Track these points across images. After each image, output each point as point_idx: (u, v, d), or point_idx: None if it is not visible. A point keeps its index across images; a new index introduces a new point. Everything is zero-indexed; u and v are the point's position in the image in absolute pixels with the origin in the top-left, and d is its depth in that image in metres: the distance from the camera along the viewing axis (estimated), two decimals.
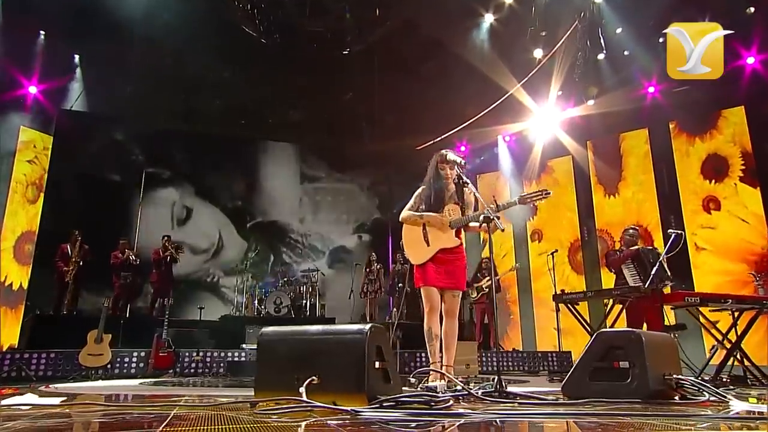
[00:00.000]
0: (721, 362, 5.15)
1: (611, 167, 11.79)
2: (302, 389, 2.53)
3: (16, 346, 8.15)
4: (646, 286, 5.25)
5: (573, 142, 12.52)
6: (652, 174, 11.09)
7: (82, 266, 8.20)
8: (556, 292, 6.03)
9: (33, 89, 11.06)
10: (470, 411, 2.47)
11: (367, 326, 2.71)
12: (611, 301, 5.62)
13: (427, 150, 13.40)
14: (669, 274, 5.54)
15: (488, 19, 11.57)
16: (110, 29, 10.39)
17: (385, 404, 2.48)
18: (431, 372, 3.99)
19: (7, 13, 9.96)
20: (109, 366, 6.54)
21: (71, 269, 8.07)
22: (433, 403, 2.56)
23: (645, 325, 5.80)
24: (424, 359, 8.18)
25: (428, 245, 4.00)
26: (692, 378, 3.18)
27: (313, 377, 2.63)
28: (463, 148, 13.92)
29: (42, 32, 10.80)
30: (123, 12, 10.05)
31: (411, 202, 4.21)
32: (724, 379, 5.17)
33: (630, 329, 3.22)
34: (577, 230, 12.02)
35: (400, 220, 4.21)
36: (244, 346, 8.49)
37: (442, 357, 3.93)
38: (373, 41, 10.26)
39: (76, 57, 11.45)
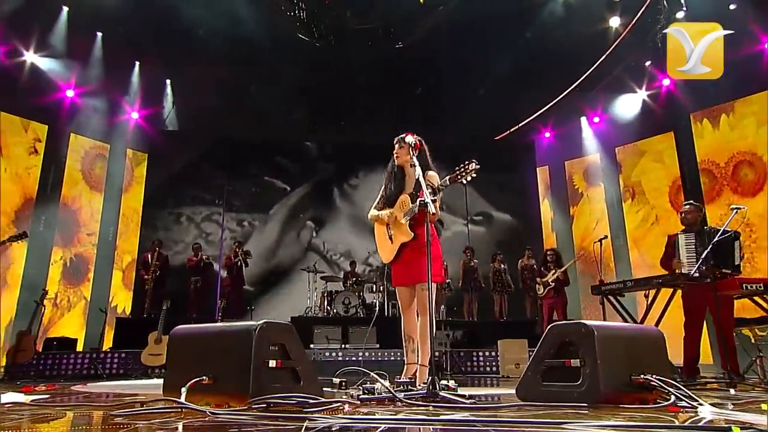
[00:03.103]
0: None
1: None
2: (183, 390, 2.48)
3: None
4: (693, 271, 4.47)
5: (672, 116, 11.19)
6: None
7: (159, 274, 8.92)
8: (601, 281, 5.38)
9: (135, 114, 12.31)
10: (341, 416, 2.23)
11: (258, 323, 2.59)
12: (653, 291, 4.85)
13: (505, 140, 12.80)
14: (737, 258, 4.62)
15: None
16: (195, 51, 11.31)
17: (254, 406, 2.34)
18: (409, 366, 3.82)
19: (106, 48, 11.15)
20: None
21: (150, 277, 8.81)
22: (308, 406, 2.36)
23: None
24: (481, 358, 7.77)
25: (391, 242, 3.82)
26: (661, 378, 2.62)
27: (204, 377, 2.57)
28: (547, 134, 13.07)
29: (137, 62, 11.96)
30: (204, 34, 10.84)
31: (376, 200, 4.04)
32: None
33: (580, 321, 2.74)
34: (676, 168, 10.81)
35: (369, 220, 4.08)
36: (312, 346, 8.69)
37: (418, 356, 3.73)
38: (431, 29, 9.95)
39: (168, 81, 12.53)
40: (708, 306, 4.92)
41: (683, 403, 2.49)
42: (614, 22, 10.25)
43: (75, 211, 11.24)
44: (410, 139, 3.72)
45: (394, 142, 3.91)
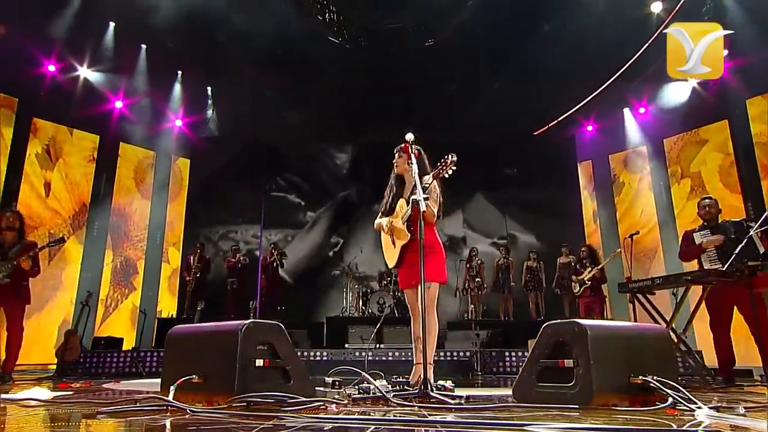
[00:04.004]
0: None
1: None
2: (172, 388, 2.55)
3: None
4: (725, 267, 4.22)
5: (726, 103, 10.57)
6: None
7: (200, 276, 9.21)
8: (628, 278, 5.15)
9: (179, 122, 12.78)
10: (313, 415, 2.22)
11: (245, 323, 2.62)
12: (682, 289, 4.59)
13: (545, 136, 12.41)
14: (761, 251, 4.35)
15: None
16: (233, 58, 11.66)
17: (234, 404, 2.37)
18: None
19: (150, 59, 11.62)
20: None
21: (192, 278, 9.10)
22: (285, 405, 2.37)
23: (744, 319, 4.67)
24: (513, 358, 7.60)
25: (394, 246, 3.89)
26: (661, 379, 2.48)
27: (193, 376, 2.63)
28: (590, 128, 12.62)
29: (179, 71, 12.41)
30: (243, 42, 11.11)
31: (380, 210, 4.13)
32: None
33: (573, 320, 2.63)
34: (728, 146, 10.26)
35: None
36: (347, 345, 8.76)
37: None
38: (463, 24, 9.79)
39: (209, 88, 12.93)
40: (736, 304, 4.64)
41: (687, 406, 2.36)
42: (656, 7, 9.78)
43: (125, 216, 11.78)
44: (410, 136, 3.70)
45: (394, 151, 4.01)
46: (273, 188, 12.82)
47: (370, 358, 7.49)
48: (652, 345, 2.71)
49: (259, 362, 2.61)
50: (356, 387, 3.01)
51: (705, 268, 4.45)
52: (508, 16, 10.25)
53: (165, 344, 3.00)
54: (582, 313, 7.80)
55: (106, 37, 10.89)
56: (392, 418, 2.23)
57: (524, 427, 1.79)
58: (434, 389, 2.82)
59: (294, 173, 13.05)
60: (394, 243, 3.91)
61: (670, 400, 2.36)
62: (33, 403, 3.05)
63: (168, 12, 10.31)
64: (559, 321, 2.73)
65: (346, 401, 2.74)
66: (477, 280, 9.16)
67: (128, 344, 9.51)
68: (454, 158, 3.30)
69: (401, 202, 3.86)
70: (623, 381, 2.52)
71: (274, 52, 11.16)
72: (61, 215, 10.47)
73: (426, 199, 3.15)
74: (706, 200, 5.07)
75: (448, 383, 3.08)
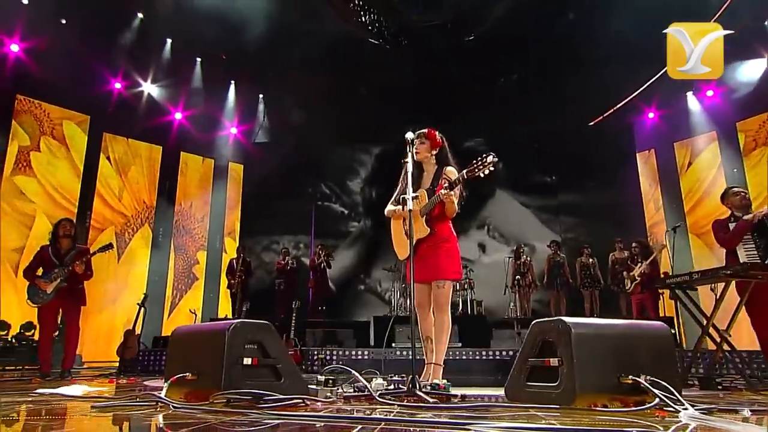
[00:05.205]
0: None
1: None
2: (165, 385, 2.67)
3: None
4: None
5: None
6: None
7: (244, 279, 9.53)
8: (666, 274, 4.86)
9: (234, 130, 13.30)
10: (286, 412, 2.26)
11: (233, 323, 2.70)
12: (722, 285, 4.24)
13: (601, 126, 11.82)
14: None
15: None
16: (283, 66, 12.03)
17: (215, 401, 2.45)
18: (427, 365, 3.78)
19: (205, 71, 12.20)
20: None
21: (237, 281, 9.42)
22: (262, 402, 2.42)
23: None
24: None
25: (408, 238, 3.73)
26: (652, 379, 2.33)
27: (187, 374, 2.75)
28: (651, 115, 11.91)
29: (233, 81, 12.92)
30: (292, 49, 11.44)
31: (393, 197, 4.00)
32: None
33: (559, 318, 2.52)
34: None
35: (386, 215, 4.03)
36: (393, 345, 8.77)
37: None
38: (504, 15, 9.55)
39: (260, 96, 13.36)
40: None
41: (673, 407, 2.21)
42: None
43: (187, 220, 12.42)
44: (410, 135, 3.66)
45: (414, 137, 3.86)
46: (318, 196, 13.13)
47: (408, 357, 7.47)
48: (648, 344, 2.55)
49: (247, 360, 2.68)
50: (352, 385, 3.03)
51: (744, 261, 4.11)
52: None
53: (169, 343, 3.14)
54: (635, 311, 7.41)
55: (164, 52, 11.51)
56: (338, 415, 2.22)
57: (467, 427, 1.74)
58: (423, 388, 2.79)
59: (340, 179, 13.27)
60: (407, 234, 3.84)
61: (656, 400, 2.22)
62: (59, 397, 3.29)
63: (218, 25, 10.76)
64: (545, 319, 2.63)
65: (333, 399, 2.77)
66: (517, 278, 8.89)
67: None
68: (495, 159, 3.15)
69: (422, 192, 3.73)
70: (612, 381, 2.39)
71: (319, 57, 11.35)
72: (129, 220, 11.20)
73: (415, 197, 3.12)
74: (738, 188, 4.71)
75: (443, 382, 3.04)
